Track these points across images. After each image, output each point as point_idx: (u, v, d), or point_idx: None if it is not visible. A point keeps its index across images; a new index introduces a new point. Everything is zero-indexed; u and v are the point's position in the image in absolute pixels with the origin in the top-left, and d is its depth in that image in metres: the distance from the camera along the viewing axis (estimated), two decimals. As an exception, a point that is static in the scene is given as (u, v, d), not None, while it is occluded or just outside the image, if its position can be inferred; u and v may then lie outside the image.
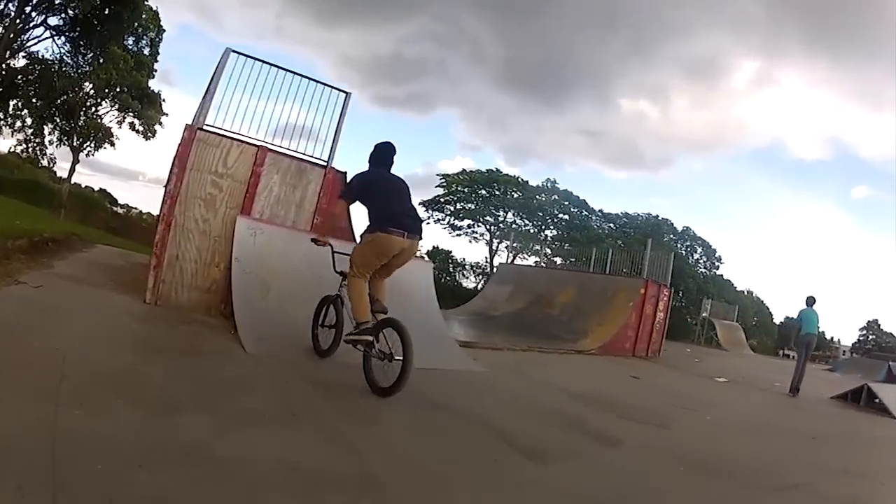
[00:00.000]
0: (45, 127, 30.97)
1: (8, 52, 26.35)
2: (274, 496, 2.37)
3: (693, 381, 10.22)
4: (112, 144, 33.11)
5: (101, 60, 28.49)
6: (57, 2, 26.19)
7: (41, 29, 27.35)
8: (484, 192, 43.19)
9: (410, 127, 78.54)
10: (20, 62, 28.06)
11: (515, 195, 42.97)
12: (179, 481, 2.31)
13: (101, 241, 15.99)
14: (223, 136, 6.30)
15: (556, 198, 44.51)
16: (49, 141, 31.73)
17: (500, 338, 10.46)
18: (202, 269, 6.07)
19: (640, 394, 7.33)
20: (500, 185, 43.20)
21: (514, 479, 3.16)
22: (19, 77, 28.23)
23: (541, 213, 43.56)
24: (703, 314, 36.70)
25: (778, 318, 61.63)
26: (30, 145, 31.73)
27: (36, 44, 27.82)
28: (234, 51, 6.39)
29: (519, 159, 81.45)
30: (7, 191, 24.03)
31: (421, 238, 4.74)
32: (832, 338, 79.08)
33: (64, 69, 28.43)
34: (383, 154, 5.00)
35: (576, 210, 44.38)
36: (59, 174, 34.62)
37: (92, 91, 30.69)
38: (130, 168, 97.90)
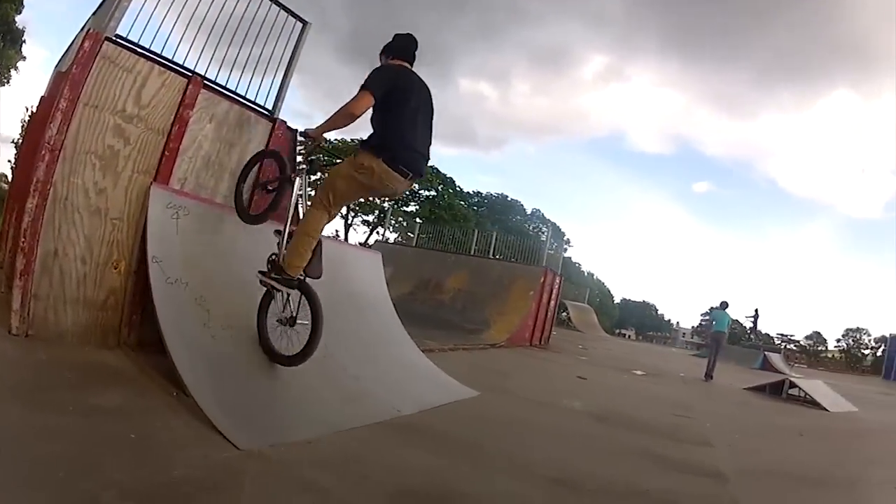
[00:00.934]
0: None
1: None
2: None
3: (622, 377, 9.95)
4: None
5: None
6: None
7: None
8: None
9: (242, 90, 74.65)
10: None
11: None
12: None
13: None
14: (142, 55, 3.84)
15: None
16: None
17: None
18: (94, 271, 3.65)
19: (627, 401, 6.87)
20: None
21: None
22: None
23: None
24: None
25: (616, 299, 67.76)
26: None
27: None
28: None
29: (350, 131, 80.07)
30: None
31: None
32: (670, 320, 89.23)
33: None
34: (410, 46, 3.64)
35: (442, 187, 43.87)
36: None
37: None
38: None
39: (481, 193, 49.25)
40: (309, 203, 3.58)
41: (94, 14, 4.36)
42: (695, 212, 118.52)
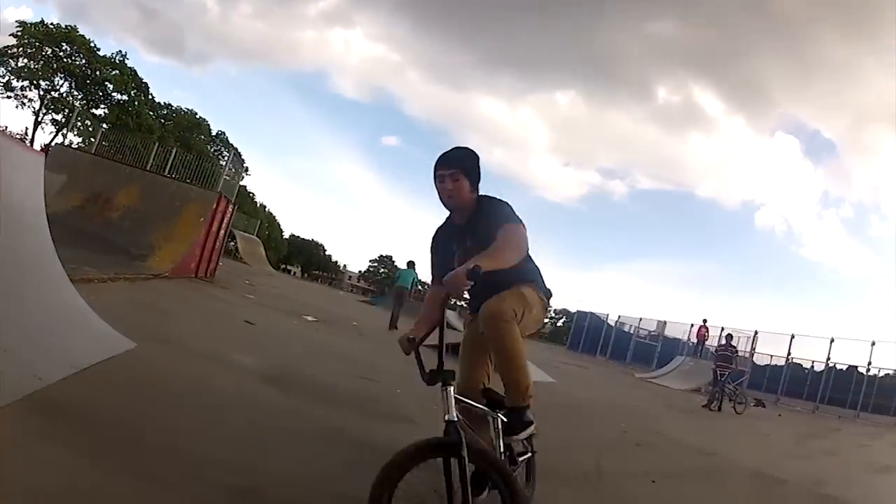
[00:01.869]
0: None
1: None
2: None
3: (293, 323, 9.52)
4: None
5: None
6: None
7: None
8: (50, 50, 33.39)
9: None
10: None
11: (80, 61, 34.38)
12: None
13: None
14: None
15: (119, 73, 36.79)
16: None
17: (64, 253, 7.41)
18: None
19: (304, 357, 6.26)
20: (71, 47, 34.17)
21: None
22: None
23: (97, 89, 35.68)
24: (225, 225, 36.59)
25: (286, 234, 67.49)
26: None
27: None
28: None
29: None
30: None
31: None
32: (337, 262, 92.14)
33: None
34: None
35: (136, 92, 37.93)
36: None
37: None
38: None
39: (171, 106, 43.60)
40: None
41: None
42: (378, 163, 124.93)
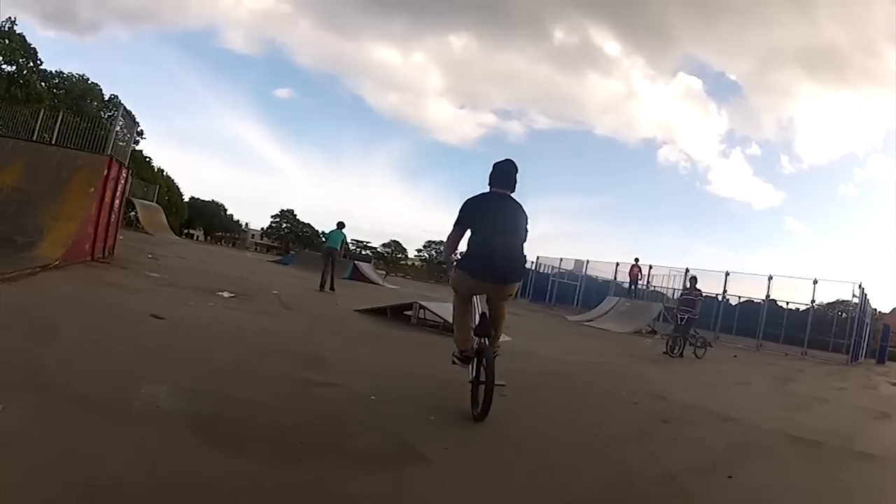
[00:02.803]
0: None
1: None
2: None
3: (209, 305, 8.17)
4: None
5: None
6: None
7: None
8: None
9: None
10: None
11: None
12: None
13: None
14: None
15: (9, 42, 32.63)
16: None
17: None
18: None
19: (238, 366, 4.69)
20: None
21: None
22: None
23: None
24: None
25: (186, 198, 63.25)
26: None
27: None
28: None
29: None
30: None
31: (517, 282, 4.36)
32: (239, 221, 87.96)
33: None
34: (497, 174, 4.29)
35: (24, 61, 33.88)
36: None
37: None
38: None
39: (63, 73, 38.90)
40: None
41: None
42: (272, 117, 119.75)
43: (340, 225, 15.17)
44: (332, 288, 14.17)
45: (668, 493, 3.21)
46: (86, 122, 13.14)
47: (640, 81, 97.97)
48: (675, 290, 22.68)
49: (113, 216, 12.27)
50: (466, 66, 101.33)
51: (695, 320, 12.80)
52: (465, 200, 4.21)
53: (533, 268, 33.83)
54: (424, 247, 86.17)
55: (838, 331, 21.99)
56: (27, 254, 8.49)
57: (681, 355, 12.12)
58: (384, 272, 35.58)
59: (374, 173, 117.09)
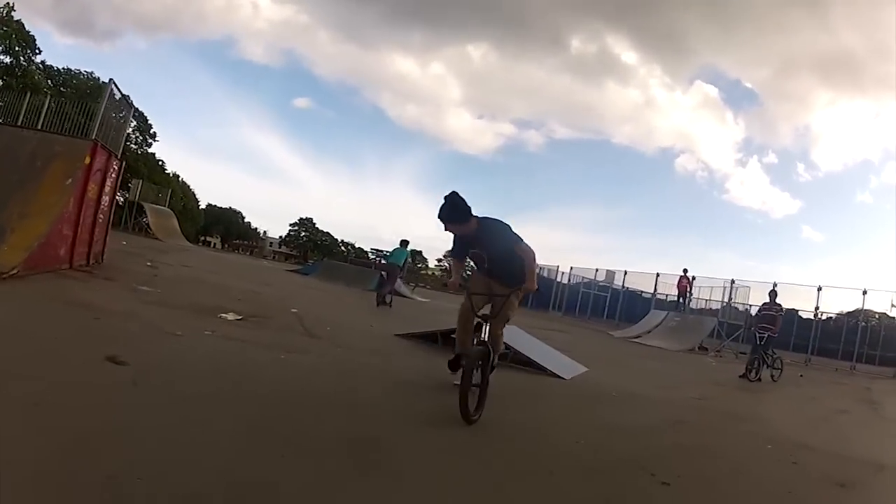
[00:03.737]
0: None
1: None
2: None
3: (203, 335, 5.80)
4: None
5: None
6: None
7: None
8: None
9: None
10: None
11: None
12: None
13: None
14: None
15: (7, 29, 30.50)
16: None
17: None
18: None
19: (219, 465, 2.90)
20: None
21: None
22: None
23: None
24: (130, 197, 31.41)
25: (203, 204, 61.77)
26: None
27: None
28: None
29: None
30: None
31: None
32: (257, 228, 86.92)
33: None
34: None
35: (20, 49, 31.73)
36: None
37: None
38: None
39: (70, 70, 37.31)
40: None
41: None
42: (290, 127, 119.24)
43: (404, 243, 14.90)
44: (389, 304, 13.87)
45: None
46: (75, 105, 10.96)
47: (658, 90, 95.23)
48: (721, 303, 21.31)
49: (101, 216, 10.13)
50: (485, 76, 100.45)
51: (774, 339, 11.29)
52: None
53: (567, 280, 31.79)
54: (445, 256, 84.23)
55: (886, 343, 20.12)
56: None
57: (759, 378, 10.73)
58: (413, 283, 33.46)
59: (393, 183, 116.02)
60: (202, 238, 63.80)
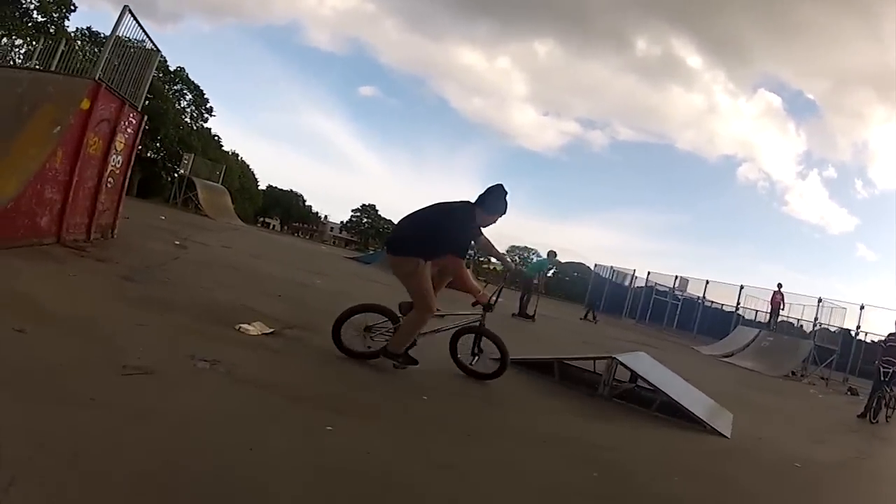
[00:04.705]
0: None
1: None
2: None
3: (200, 374, 3.39)
4: None
5: None
6: None
7: None
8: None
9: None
10: None
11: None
12: None
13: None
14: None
15: None
16: None
17: None
18: None
19: None
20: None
21: None
22: None
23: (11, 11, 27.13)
24: (182, 171, 30.02)
25: (263, 185, 61.17)
26: None
27: None
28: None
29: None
30: None
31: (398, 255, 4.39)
32: (318, 213, 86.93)
33: None
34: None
35: (52, 6, 29.01)
36: None
37: None
38: None
39: (119, 36, 35.86)
40: None
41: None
42: (355, 114, 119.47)
43: (551, 254, 14.47)
44: (532, 317, 13.02)
45: None
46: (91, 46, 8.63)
47: (721, 96, 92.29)
48: (814, 324, 19.71)
49: (110, 179, 8.05)
50: (550, 72, 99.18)
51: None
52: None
53: (643, 285, 29.01)
54: (507, 251, 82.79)
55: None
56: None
57: (876, 420, 9.06)
58: (484, 280, 31.13)
59: (456, 175, 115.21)
60: (261, 219, 63.28)
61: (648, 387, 5.18)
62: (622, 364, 5.25)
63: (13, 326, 3.29)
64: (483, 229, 4.61)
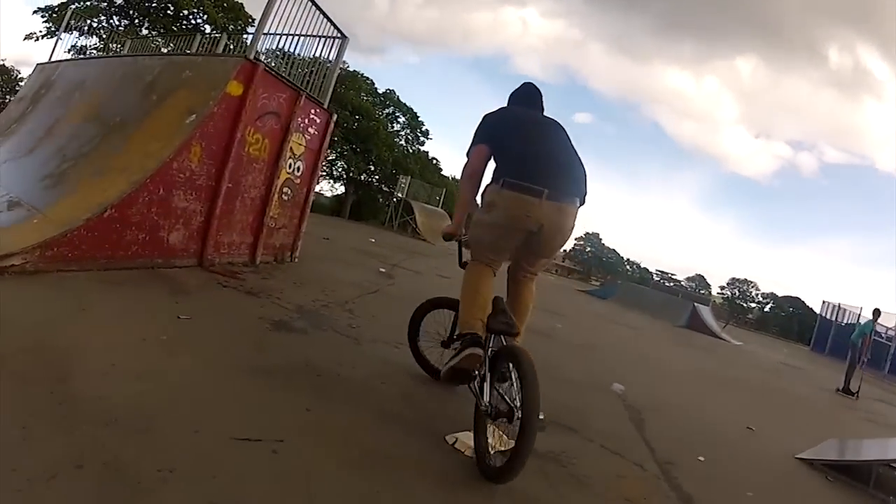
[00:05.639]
0: None
1: None
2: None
3: None
4: None
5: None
6: None
7: None
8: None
9: None
10: None
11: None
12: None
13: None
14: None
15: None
16: None
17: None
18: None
19: None
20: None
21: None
22: None
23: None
24: (399, 194, 29.94)
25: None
26: None
27: None
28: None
29: None
30: None
31: (581, 203, 2.90)
32: None
33: None
34: (524, 95, 3.26)
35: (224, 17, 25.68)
36: None
37: None
38: None
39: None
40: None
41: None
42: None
43: (876, 313, 11.73)
44: (855, 394, 10.18)
45: None
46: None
47: None
48: None
49: (286, 190, 6.34)
50: (757, 91, 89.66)
51: None
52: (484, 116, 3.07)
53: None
54: (728, 284, 76.46)
55: None
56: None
57: None
58: (724, 321, 25.91)
59: (674, 202, 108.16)
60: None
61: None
62: None
63: None
64: None
